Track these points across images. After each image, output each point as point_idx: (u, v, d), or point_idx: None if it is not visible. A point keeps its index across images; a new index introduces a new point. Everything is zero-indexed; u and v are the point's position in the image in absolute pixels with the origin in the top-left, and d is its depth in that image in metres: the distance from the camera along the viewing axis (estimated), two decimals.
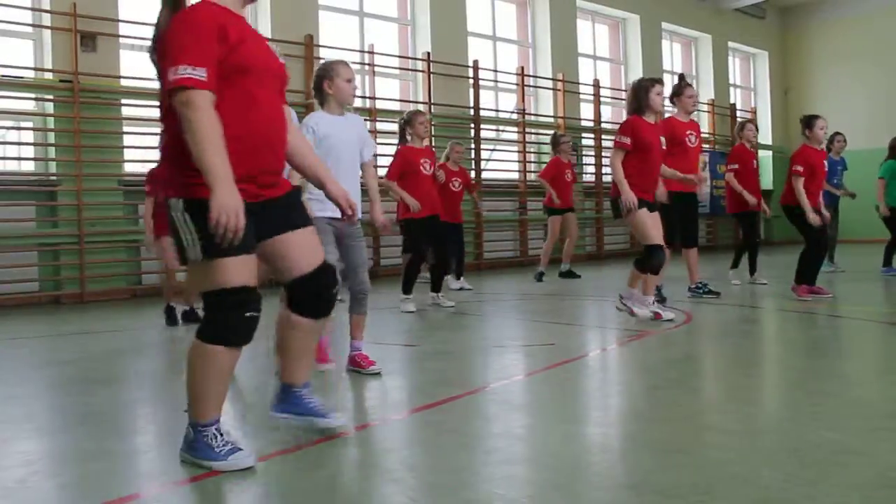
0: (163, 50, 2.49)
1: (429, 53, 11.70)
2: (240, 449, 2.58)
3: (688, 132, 6.74)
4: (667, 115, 7.12)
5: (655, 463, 2.58)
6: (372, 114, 10.98)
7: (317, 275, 2.76)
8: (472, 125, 12.28)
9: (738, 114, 17.93)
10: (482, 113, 12.43)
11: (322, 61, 4.49)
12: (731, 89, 18.20)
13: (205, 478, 2.51)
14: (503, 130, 12.98)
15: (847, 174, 9.77)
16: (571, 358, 4.50)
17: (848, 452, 2.60)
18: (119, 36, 8.79)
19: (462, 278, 8.79)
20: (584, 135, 14.12)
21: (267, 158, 2.65)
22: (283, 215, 2.72)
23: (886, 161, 9.26)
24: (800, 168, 6.71)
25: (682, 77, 7.14)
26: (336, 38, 10.93)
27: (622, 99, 15.06)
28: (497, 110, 13.00)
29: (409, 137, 6.69)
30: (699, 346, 5.06)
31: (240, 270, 2.51)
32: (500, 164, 12.98)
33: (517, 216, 12.91)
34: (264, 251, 2.70)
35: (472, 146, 12.27)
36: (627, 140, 5.58)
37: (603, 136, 14.35)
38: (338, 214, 3.54)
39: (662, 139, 5.77)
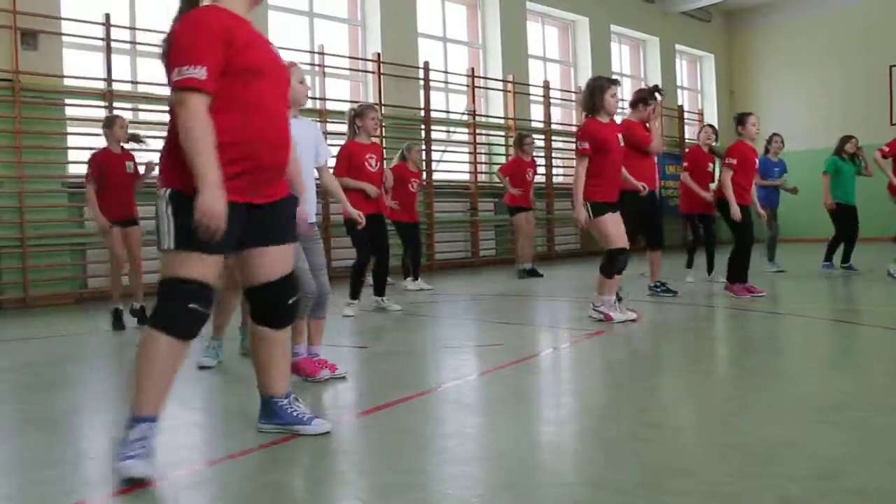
0: (170, 51, 2.59)
1: (379, 54, 11.67)
2: (136, 458, 2.48)
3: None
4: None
5: (604, 459, 2.62)
6: (322, 115, 10.92)
7: (275, 284, 2.82)
8: (423, 126, 12.29)
9: (686, 115, 18.25)
10: (433, 114, 12.45)
11: None
12: (679, 91, 18.51)
13: (146, 486, 2.47)
14: (454, 131, 13.02)
15: (787, 175, 9.88)
16: (523, 357, 4.53)
17: (790, 445, 2.67)
18: (62, 34, 8.60)
19: (420, 279, 8.91)
20: (534, 136, 14.19)
21: (267, 158, 2.70)
22: (271, 227, 2.80)
23: (831, 157, 9.25)
24: (733, 161, 6.86)
25: (656, 87, 7.20)
26: (286, 38, 10.83)
27: (572, 101, 15.22)
28: (448, 111, 13.02)
29: (357, 131, 6.49)
30: (648, 344, 5.14)
31: (201, 265, 2.56)
32: (451, 164, 13.01)
33: (468, 217, 12.96)
34: (238, 255, 2.82)
35: (423, 147, 12.27)
36: (587, 145, 5.54)
37: (553, 137, 14.48)
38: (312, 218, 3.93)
39: (620, 137, 5.72)
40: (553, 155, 14.52)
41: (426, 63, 12.35)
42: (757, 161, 7.03)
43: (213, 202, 2.43)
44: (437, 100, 12.76)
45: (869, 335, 5.19)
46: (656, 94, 7.00)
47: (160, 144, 9.14)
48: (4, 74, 8.12)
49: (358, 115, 6.44)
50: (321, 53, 11.06)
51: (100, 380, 4.53)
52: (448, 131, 12.96)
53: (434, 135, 12.51)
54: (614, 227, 5.59)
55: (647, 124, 6.94)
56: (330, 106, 11.15)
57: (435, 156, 12.45)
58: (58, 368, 4.79)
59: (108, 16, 8.87)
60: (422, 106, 12.26)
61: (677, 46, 18.27)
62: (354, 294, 6.53)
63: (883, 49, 16.46)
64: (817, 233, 9.31)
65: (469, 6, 13.96)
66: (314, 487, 2.47)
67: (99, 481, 2.59)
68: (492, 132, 13.52)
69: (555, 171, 14.65)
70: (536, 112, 14.50)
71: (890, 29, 16.46)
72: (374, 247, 6.52)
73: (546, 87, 14.48)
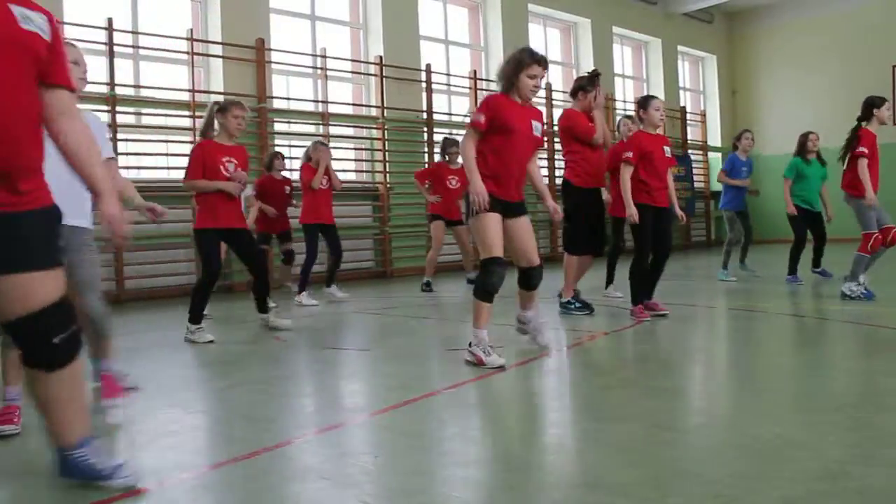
0: None
1: (381, 57, 11.69)
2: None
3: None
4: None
5: (608, 461, 2.62)
6: (324, 118, 10.94)
7: (33, 319, 2.28)
8: (426, 129, 12.30)
9: (688, 116, 18.25)
10: (435, 116, 12.46)
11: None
12: (681, 92, 18.51)
13: (151, 489, 2.48)
14: (456, 134, 13.01)
15: (773, 174, 9.39)
16: (526, 360, 4.53)
17: (791, 446, 2.67)
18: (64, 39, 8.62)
19: (334, 285, 8.15)
20: (538, 134, 14.19)
21: None
22: (8, 248, 2.24)
23: (792, 158, 8.45)
24: (629, 154, 5.85)
25: (595, 72, 6.54)
26: (288, 41, 10.87)
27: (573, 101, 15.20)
28: (450, 114, 13.04)
29: (216, 130, 5.60)
30: (648, 346, 5.14)
31: None
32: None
33: (467, 221, 12.90)
34: None
35: (426, 150, 12.30)
36: (482, 118, 4.42)
37: (555, 140, 14.47)
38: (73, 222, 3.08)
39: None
40: (556, 157, 14.51)
41: (428, 65, 12.37)
42: (667, 150, 6.03)
43: None
44: (439, 102, 12.78)
45: (866, 335, 5.18)
46: (595, 80, 6.38)
47: (161, 149, 9.08)
48: None
49: (221, 111, 5.56)
50: (323, 57, 11.08)
51: None
52: (451, 134, 12.96)
53: (437, 137, 12.51)
54: (494, 231, 4.39)
55: (591, 113, 6.32)
56: (332, 109, 11.17)
57: (437, 158, 12.44)
58: None
59: (110, 20, 8.89)
60: (424, 108, 12.28)
61: (679, 48, 18.27)
62: (195, 317, 5.55)
63: (885, 49, 16.45)
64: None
65: (470, 8, 13.98)
66: (319, 490, 2.47)
67: (101, 489, 2.60)
68: None
69: (557, 172, 14.63)
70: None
71: (892, 29, 16.45)
72: (248, 265, 5.75)
73: (548, 89, 14.48)
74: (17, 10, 2.21)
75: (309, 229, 7.85)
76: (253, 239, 5.87)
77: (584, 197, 6.29)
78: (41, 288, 2.28)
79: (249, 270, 5.80)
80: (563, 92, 15.07)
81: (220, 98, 9.51)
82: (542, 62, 4.50)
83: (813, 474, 2.38)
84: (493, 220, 4.41)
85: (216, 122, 5.58)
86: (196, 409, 3.67)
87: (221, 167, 5.49)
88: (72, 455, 2.43)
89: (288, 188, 8.27)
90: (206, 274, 5.57)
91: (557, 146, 14.51)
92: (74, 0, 8.81)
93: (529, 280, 4.68)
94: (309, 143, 8.26)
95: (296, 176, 8.54)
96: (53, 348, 2.32)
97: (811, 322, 5.88)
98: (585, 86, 6.38)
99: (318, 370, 4.73)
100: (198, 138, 5.76)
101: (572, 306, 6.37)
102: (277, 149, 9.70)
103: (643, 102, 6.13)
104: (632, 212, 5.78)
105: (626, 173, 5.86)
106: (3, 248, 2.23)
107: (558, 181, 14.32)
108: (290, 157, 9.69)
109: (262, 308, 5.99)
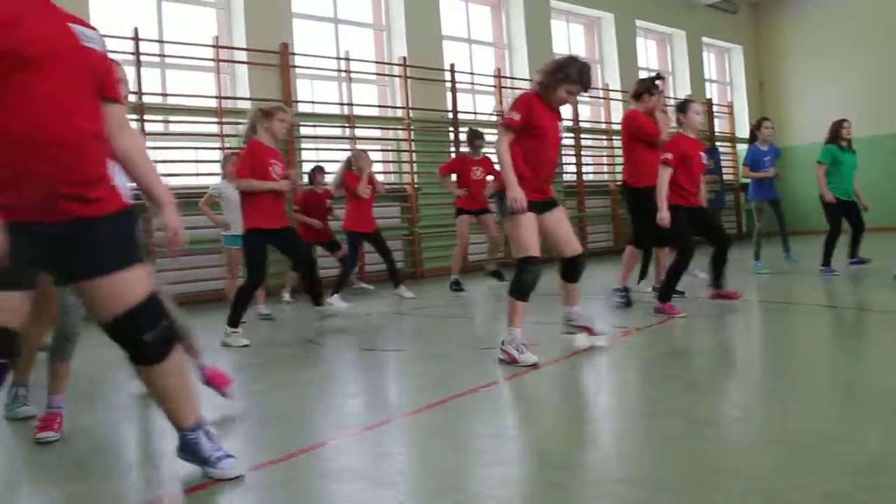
0: None
1: (405, 58, 11.70)
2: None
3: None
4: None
5: (648, 457, 2.60)
6: (350, 120, 10.97)
7: (121, 321, 2.41)
8: (451, 128, 12.29)
9: (715, 108, 18.06)
10: (461, 116, 12.45)
11: None
12: (707, 84, 18.33)
13: (192, 491, 2.50)
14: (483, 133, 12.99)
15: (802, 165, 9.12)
16: (559, 357, 4.51)
17: (831, 440, 2.63)
18: None
19: (401, 286, 8.38)
20: (563, 134, 14.15)
21: (39, 163, 2.22)
22: (87, 253, 2.36)
23: (825, 145, 8.20)
24: (669, 156, 5.85)
25: (658, 76, 6.70)
26: (311, 45, 10.91)
27: (600, 98, 15.13)
28: (475, 113, 13.02)
29: (260, 132, 5.67)
30: (683, 341, 5.09)
31: None
32: None
33: (498, 218, 12.89)
34: (75, 287, 2.47)
35: (453, 149, 12.28)
36: (517, 117, 4.44)
37: (581, 135, 14.42)
38: None
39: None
40: (582, 153, 14.45)
41: (452, 65, 12.36)
42: (703, 156, 6.07)
43: None
44: (464, 102, 12.76)
45: None
46: (657, 83, 6.53)
47: (190, 156, 9.16)
48: None
49: (266, 116, 5.64)
50: (347, 59, 11.12)
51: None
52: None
53: (463, 136, 12.49)
54: (529, 230, 4.38)
55: (654, 115, 6.50)
56: (357, 111, 11.20)
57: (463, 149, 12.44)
58: (106, 376, 4.84)
59: (136, 30, 8.99)
60: (449, 108, 12.27)
61: (704, 39, 18.09)
62: (234, 321, 5.58)
63: None
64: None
65: (493, 7, 13.94)
66: (356, 490, 2.48)
67: (141, 491, 2.63)
68: None
69: (584, 168, 14.58)
70: (564, 110, 14.39)
71: None
72: (295, 261, 5.83)
73: None
74: (76, 28, 2.36)
75: (351, 237, 8.09)
76: (298, 235, 5.91)
77: (641, 196, 6.40)
78: (126, 288, 2.40)
79: (297, 267, 5.81)
80: (591, 88, 15.00)
81: (247, 104, 9.66)
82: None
83: (856, 468, 2.34)
84: (528, 220, 4.39)
85: (260, 127, 5.67)
86: (232, 412, 3.69)
87: (270, 169, 5.59)
88: (185, 436, 2.59)
89: (329, 200, 8.56)
90: (253, 278, 5.61)
91: (584, 142, 14.48)
92: (101, 10, 8.91)
93: (575, 268, 4.67)
94: (335, 146, 8.35)
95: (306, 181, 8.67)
96: (145, 345, 2.44)
97: (849, 313, 5.79)
98: (650, 88, 6.50)
99: (352, 371, 4.74)
100: (240, 144, 5.86)
101: (619, 294, 6.54)
102: (304, 153, 9.79)
103: (682, 107, 6.15)
104: (663, 215, 5.77)
105: (665, 174, 5.84)
106: (87, 254, 2.36)
107: (585, 177, 14.42)
108: (316, 161, 9.73)
109: (318, 301, 6.10)
